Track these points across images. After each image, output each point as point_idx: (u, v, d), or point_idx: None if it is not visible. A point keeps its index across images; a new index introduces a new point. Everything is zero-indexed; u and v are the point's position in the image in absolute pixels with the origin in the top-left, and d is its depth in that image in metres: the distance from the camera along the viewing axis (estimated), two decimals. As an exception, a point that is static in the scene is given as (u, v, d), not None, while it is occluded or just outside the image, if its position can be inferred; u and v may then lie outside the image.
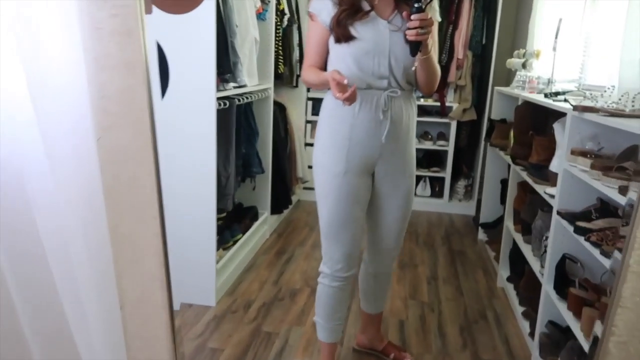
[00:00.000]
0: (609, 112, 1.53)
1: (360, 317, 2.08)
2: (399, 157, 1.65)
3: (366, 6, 1.53)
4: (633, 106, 1.58)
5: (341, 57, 1.54)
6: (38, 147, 0.76)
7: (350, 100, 1.41)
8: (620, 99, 1.66)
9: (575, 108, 1.66)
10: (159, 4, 2.13)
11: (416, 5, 1.37)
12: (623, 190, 1.33)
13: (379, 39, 1.52)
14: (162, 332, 0.87)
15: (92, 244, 0.84)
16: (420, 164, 4.11)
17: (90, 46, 0.74)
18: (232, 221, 2.89)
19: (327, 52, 1.60)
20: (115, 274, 0.85)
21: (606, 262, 1.43)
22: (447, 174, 4.03)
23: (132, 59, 0.74)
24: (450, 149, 3.95)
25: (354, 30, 1.51)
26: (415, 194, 1.93)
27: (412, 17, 1.38)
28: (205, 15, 2.10)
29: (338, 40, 1.53)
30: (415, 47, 1.45)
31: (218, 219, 2.77)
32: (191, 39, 2.12)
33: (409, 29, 1.40)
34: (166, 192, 2.27)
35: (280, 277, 2.76)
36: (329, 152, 1.61)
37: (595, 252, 1.48)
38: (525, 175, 2.30)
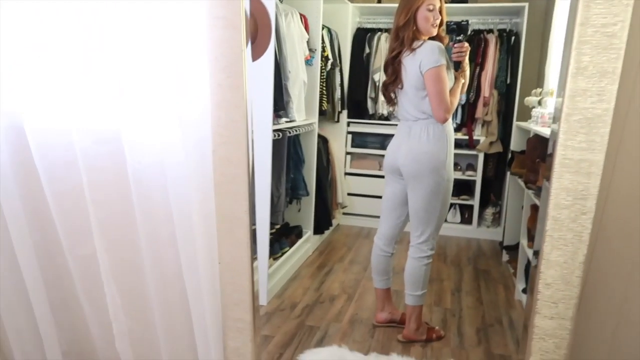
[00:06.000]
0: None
1: (376, 296, 2.59)
2: None
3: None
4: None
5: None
6: (180, 153, 1.24)
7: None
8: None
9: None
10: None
11: (458, 38, 2.19)
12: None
13: None
14: (246, 281, 1.31)
15: (206, 220, 1.30)
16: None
17: (215, 94, 1.21)
18: (281, 236, 3.35)
19: None
20: (217, 240, 1.30)
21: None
22: (475, 202, 4.36)
23: (237, 103, 1.21)
24: (478, 178, 4.30)
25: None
26: (445, 220, 2.50)
27: (455, 45, 2.18)
28: (266, 63, 2.62)
29: None
30: (458, 64, 2.23)
31: (269, 233, 3.23)
32: (255, 82, 2.64)
33: (454, 53, 2.18)
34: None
35: (321, 285, 3.17)
36: (449, 167, 2.26)
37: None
38: (533, 197, 2.65)
